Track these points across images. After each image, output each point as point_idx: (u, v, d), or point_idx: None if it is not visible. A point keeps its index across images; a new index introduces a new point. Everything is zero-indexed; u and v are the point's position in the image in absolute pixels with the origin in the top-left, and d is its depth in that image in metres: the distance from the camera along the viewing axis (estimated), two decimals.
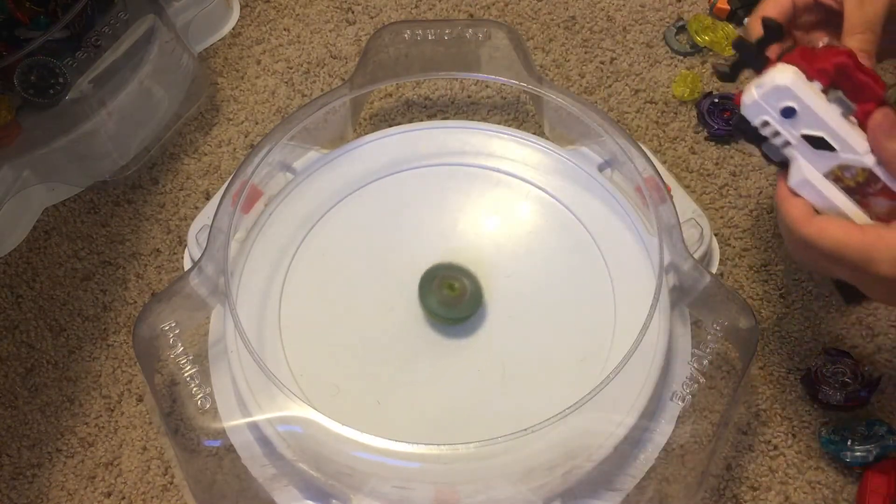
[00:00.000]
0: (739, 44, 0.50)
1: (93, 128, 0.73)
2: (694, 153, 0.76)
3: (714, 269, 0.69)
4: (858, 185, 0.48)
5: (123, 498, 0.64)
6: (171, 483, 0.64)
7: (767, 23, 0.49)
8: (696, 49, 0.82)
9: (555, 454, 0.55)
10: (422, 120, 0.79)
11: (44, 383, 0.68)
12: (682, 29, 0.83)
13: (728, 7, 0.83)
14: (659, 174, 0.63)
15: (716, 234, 0.71)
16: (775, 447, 0.63)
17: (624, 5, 0.85)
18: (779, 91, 0.47)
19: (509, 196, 0.67)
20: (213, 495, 0.60)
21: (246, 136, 0.79)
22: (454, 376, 0.61)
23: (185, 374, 0.58)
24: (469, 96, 0.80)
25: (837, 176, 0.48)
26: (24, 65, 0.68)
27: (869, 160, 0.47)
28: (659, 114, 0.79)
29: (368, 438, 0.53)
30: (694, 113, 0.78)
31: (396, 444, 0.53)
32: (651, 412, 0.58)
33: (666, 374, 0.59)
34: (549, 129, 0.73)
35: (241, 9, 0.87)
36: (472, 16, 0.86)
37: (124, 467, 0.65)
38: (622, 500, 0.57)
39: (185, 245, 0.70)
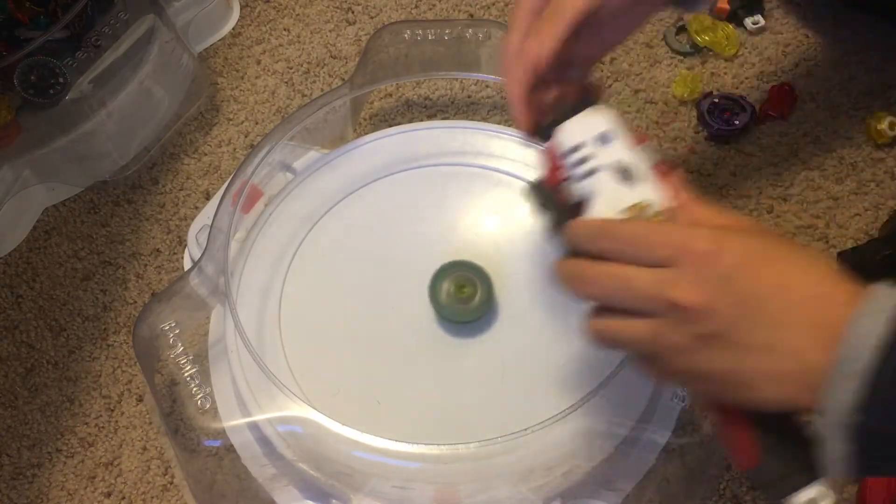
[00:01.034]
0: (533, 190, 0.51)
1: (93, 128, 0.73)
2: (694, 153, 0.76)
3: None
4: None
5: (123, 498, 0.64)
6: (171, 483, 0.64)
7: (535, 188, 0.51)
8: (696, 49, 0.82)
9: (555, 454, 0.55)
10: (422, 120, 0.79)
11: (44, 383, 0.68)
12: (682, 29, 0.83)
13: (728, 7, 0.83)
14: None
15: None
16: None
17: None
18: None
19: (509, 196, 0.67)
20: (213, 495, 0.60)
21: (246, 136, 0.79)
22: (454, 376, 0.60)
23: (185, 374, 0.58)
24: (469, 96, 0.80)
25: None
26: (24, 65, 0.68)
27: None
28: (659, 114, 0.79)
29: (368, 438, 0.53)
30: (694, 113, 0.78)
31: (396, 444, 0.53)
32: (651, 412, 0.58)
33: None
34: None
35: (241, 9, 0.87)
36: (472, 16, 0.86)
37: (124, 467, 0.65)
38: (622, 500, 0.57)
39: (185, 245, 0.70)
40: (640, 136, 0.48)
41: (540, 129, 0.50)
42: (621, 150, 0.47)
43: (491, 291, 0.61)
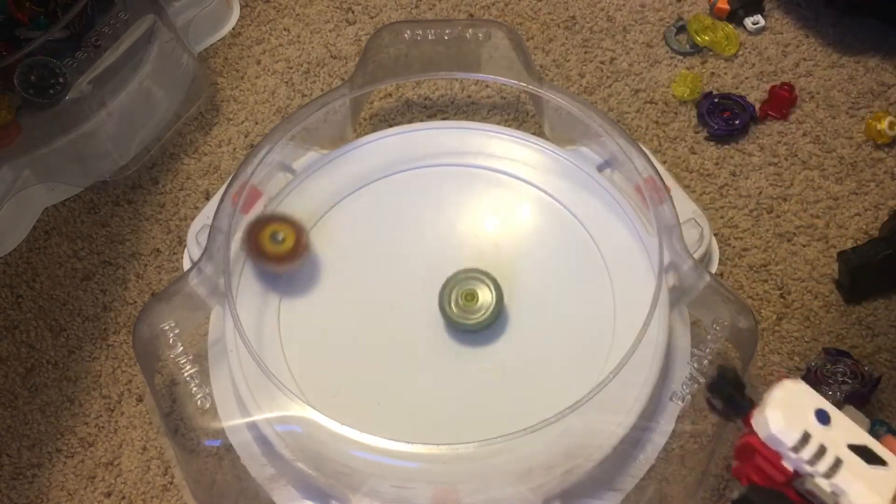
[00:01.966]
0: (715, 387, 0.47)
1: (93, 128, 0.73)
2: (694, 153, 0.76)
3: (714, 269, 0.69)
4: None
5: (123, 498, 0.64)
6: (171, 483, 0.64)
7: (723, 373, 0.46)
8: (696, 49, 0.82)
9: (554, 454, 0.55)
10: (422, 120, 0.79)
11: (44, 383, 0.68)
12: (682, 29, 0.83)
13: (728, 7, 0.83)
14: (659, 174, 0.63)
15: (716, 234, 0.71)
16: None
17: (624, 5, 0.85)
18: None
19: (509, 196, 0.67)
20: (213, 495, 0.60)
21: (246, 136, 0.79)
22: (454, 376, 0.61)
23: (185, 374, 0.58)
24: (469, 96, 0.80)
25: None
26: (24, 65, 0.68)
27: None
28: (659, 114, 0.79)
29: (368, 438, 0.53)
30: (694, 113, 0.78)
31: (396, 444, 0.53)
32: (651, 412, 0.58)
33: (665, 374, 0.59)
34: (549, 130, 0.73)
35: (241, 9, 0.87)
36: (472, 16, 0.86)
37: (124, 467, 0.65)
38: (622, 500, 0.57)
39: (185, 245, 0.70)
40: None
41: None
42: (846, 427, 0.43)
43: (501, 300, 0.61)
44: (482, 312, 0.61)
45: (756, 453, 0.44)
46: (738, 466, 0.45)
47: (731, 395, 0.46)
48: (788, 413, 0.43)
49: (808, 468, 0.42)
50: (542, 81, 0.69)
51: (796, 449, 0.42)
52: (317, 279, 0.64)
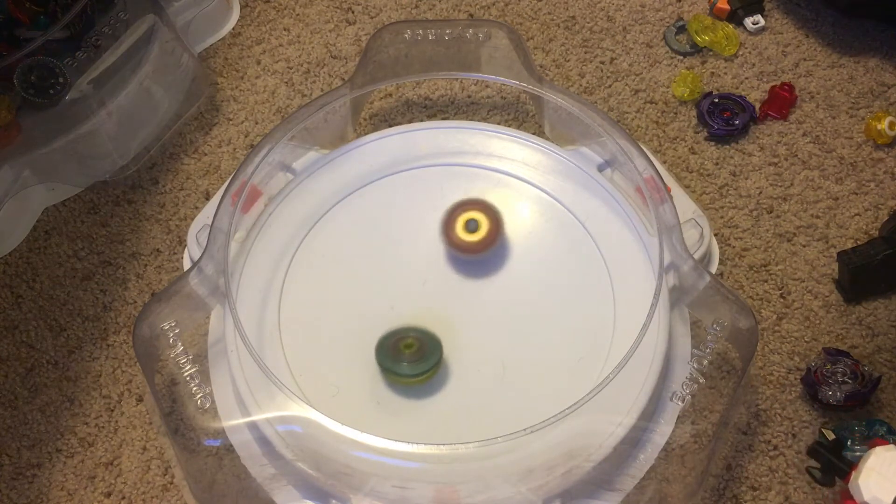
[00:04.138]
0: (816, 451, 0.52)
1: (93, 128, 0.73)
2: (694, 153, 0.76)
3: (714, 269, 0.69)
4: None
5: (123, 498, 0.64)
6: (171, 483, 0.64)
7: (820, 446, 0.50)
8: (696, 49, 0.82)
9: (554, 454, 0.55)
10: (422, 120, 0.79)
11: (44, 383, 0.68)
12: (682, 29, 0.83)
13: (728, 7, 0.83)
14: (659, 174, 0.63)
15: (716, 234, 0.71)
16: (775, 447, 0.63)
17: (624, 5, 0.85)
18: None
19: (509, 196, 0.67)
20: (213, 495, 0.60)
21: (246, 136, 0.79)
22: (454, 376, 0.61)
23: (185, 374, 0.58)
24: (469, 96, 0.80)
25: None
26: (24, 65, 0.68)
27: None
28: (659, 114, 0.79)
29: (368, 438, 0.53)
30: (694, 113, 0.78)
31: (396, 444, 0.53)
32: (651, 412, 0.58)
33: (666, 375, 0.59)
34: (549, 129, 0.73)
35: (241, 9, 0.87)
36: (472, 16, 0.86)
37: (124, 467, 0.65)
38: (622, 500, 0.57)
39: (185, 245, 0.70)
40: None
41: None
42: None
43: (438, 345, 0.60)
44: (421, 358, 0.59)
45: None
46: None
47: (830, 460, 0.47)
48: (881, 479, 0.46)
49: None
50: (542, 81, 0.69)
51: None
52: (317, 279, 0.64)
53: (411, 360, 0.58)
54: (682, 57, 0.82)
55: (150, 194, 0.77)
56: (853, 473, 0.48)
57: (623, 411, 0.57)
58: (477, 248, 0.62)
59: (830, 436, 0.56)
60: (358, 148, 0.70)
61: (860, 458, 0.59)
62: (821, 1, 0.82)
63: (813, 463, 0.59)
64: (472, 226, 0.62)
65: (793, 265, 0.70)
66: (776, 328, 0.68)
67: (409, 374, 0.58)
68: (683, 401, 0.57)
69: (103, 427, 0.67)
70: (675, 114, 0.79)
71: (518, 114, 0.79)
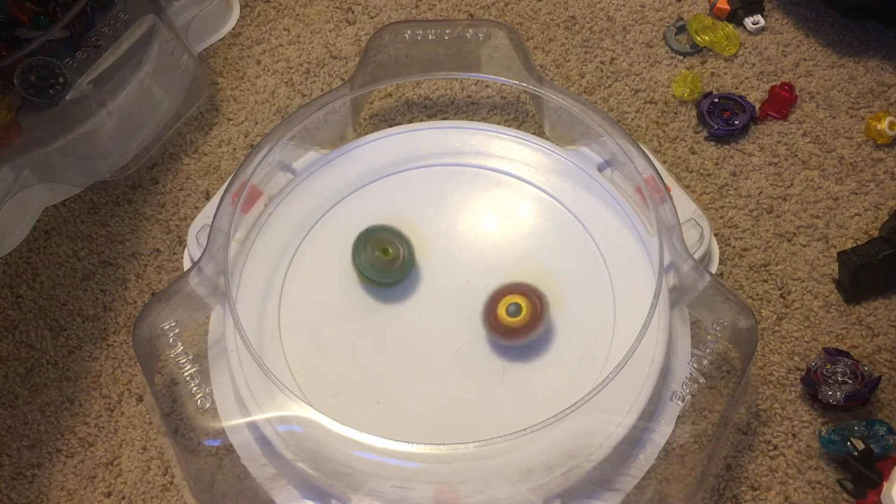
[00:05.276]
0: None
1: (93, 128, 0.73)
2: (694, 153, 0.76)
3: (714, 269, 0.69)
4: None
5: (123, 498, 0.64)
6: (171, 483, 0.64)
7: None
8: (696, 49, 0.82)
9: (554, 454, 0.55)
10: (422, 120, 0.79)
11: (44, 383, 0.68)
12: (682, 29, 0.83)
13: (728, 7, 0.83)
14: (659, 174, 0.63)
15: (716, 234, 0.71)
16: (775, 447, 0.63)
17: (624, 5, 0.85)
18: None
19: (509, 196, 0.67)
20: (213, 495, 0.60)
21: (246, 136, 0.79)
22: (454, 376, 0.61)
23: (185, 374, 0.58)
24: (469, 96, 0.80)
25: None
26: (24, 65, 0.68)
27: None
28: (659, 114, 0.79)
29: (368, 438, 0.53)
30: (694, 113, 0.78)
31: (396, 444, 0.53)
32: (651, 412, 0.58)
33: (666, 374, 0.59)
34: (549, 129, 0.73)
35: (241, 9, 0.87)
36: (472, 16, 0.86)
37: (124, 467, 0.65)
38: (622, 500, 0.57)
39: (185, 245, 0.70)
40: None
41: None
42: None
43: (412, 254, 0.63)
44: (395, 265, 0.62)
45: None
46: None
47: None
48: None
49: None
50: (542, 81, 0.69)
51: None
52: (317, 279, 0.64)
53: (386, 266, 0.62)
54: (682, 57, 0.82)
55: (150, 194, 0.77)
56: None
57: (623, 411, 0.57)
58: (519, 332, 0.59)
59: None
60: (358, 148, 0.70)
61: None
62: (821, 1, 0.82)
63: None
64: (511, 310, 0.60)
65: (793, 265, 0.70)
66: (776, 328, 0.68)
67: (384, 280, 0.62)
68: (683, 401, 0.57)
69: (103, 427, 0.67)
70: (675, 114, 0.79)
71: (518, 114, 0.79)
